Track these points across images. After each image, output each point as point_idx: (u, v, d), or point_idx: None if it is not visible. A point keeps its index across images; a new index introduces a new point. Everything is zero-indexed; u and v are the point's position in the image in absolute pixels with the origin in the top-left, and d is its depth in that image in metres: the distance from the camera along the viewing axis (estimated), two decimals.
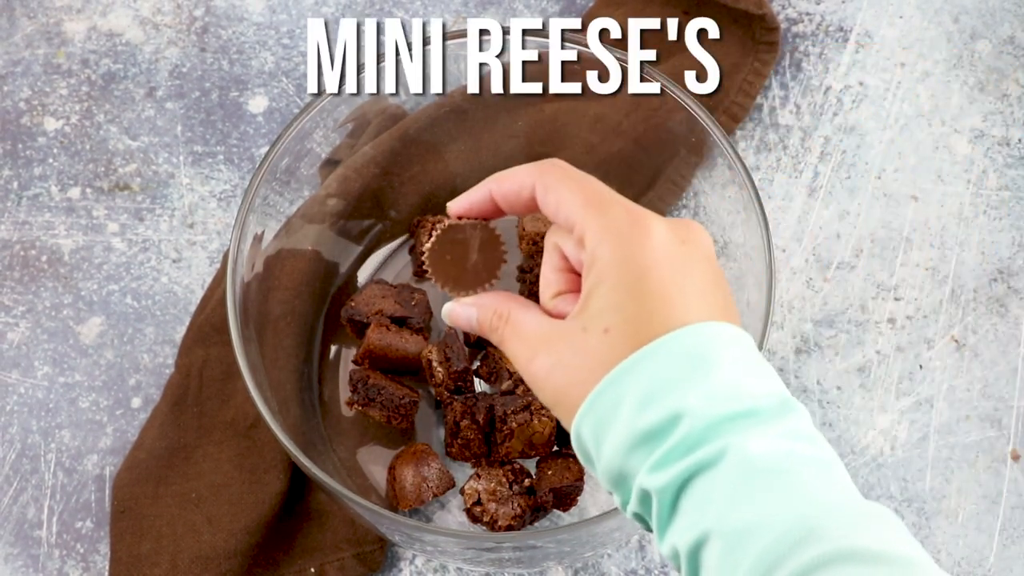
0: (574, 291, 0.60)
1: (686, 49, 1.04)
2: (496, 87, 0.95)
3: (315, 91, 0.92)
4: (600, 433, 0.54)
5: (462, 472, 0.91)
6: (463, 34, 0.89)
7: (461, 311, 0.63)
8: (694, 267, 0.56)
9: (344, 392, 0.93)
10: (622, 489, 0.55)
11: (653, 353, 0.53)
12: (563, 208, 0.59)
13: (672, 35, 1.05)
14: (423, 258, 0.66)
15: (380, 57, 0.89)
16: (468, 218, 0.65)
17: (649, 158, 0.96)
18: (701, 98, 1.00)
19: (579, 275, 0.59)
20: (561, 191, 0.59)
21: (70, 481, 0.93)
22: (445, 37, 0.89)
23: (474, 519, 0.87)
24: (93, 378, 0.96)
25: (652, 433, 0.52)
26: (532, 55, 0.92)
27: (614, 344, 0.54)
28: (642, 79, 0.87)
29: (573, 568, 0.91)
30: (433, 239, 0.66)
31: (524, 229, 0.93)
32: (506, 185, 0.62)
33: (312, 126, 0.89)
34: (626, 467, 0.54)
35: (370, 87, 0.91)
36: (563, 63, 0.91)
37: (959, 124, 1.03)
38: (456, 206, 0.65)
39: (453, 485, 0.88)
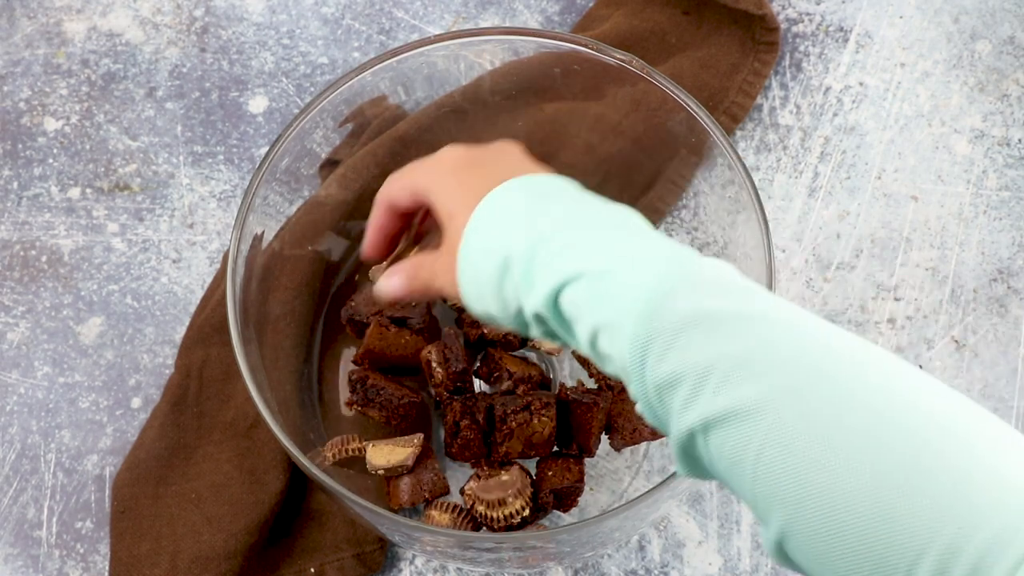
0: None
1: (686, 49, 1.04)
2: (496, 87, 0.95)
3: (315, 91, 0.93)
4: (481, 287, 0.66)
5: (462, 472, 0.91)
6: (463, 34, 0.89)
7: (389, 283, 0.74)
8: (485, 159, 0.70)
9: (344, 392, 0.93)
10: (527, 327, 0.66)
11: (475, 216, 0.67)
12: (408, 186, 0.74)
13: (672, 35, 1.05)
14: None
15: (380, 57, 0.89)
16: (385, 248, 0.77)
17: (649, 158, 0.96)
18: (701, 98, 1.00)
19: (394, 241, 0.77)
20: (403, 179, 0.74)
21: (70, 481, 0.93)
22: (445, 37, 0.89)
23: (474, 519, 0.87)
24: (93, 378, 0.96)
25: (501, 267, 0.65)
26: (531, 55, 0.93)
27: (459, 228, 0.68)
28: (642, 79, 0.87)
29: (573, 568, 0.91)
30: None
31: None
32: (392, 198, 0.75)
33: (312, 126, 0.89)
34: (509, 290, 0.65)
35: (370, 87, 0.91)
36: (563, 63, 0.91)
37: (959, 124, 1.03)
38: (371, 249, 0.78)
39: (447, 492, 0.88)
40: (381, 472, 0.86)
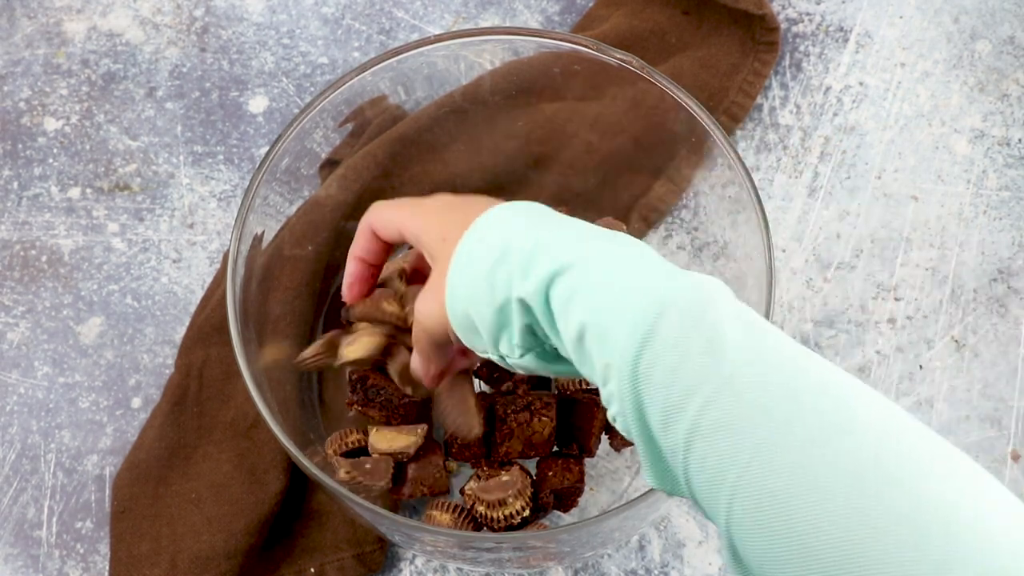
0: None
1: (686, 49, 1.04)
2: (496, 87, 0.95)
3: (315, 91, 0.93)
4: (470, 303, 0.67)
5: (462, 472, 0.91)
6: (463, 34, 0.89)
7: (419, 372, 0.77)
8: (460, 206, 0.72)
9: (344, 392, 0.93)
10: (506, 325, 0.66)
11: (475, 225, 0.68)
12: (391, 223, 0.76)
13: (672, 35, 1.05)
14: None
15: (380, 57, 0.89)
16: (365, 286, 0.81)
17: (649, 158, 0.96)
18: (701, 98, 1.00)
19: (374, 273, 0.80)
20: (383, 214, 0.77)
21: (70, 481, 0.93)
22: (445, 37, 0.89)
23: (475, 519, 0.87)
24: (93, 378, 0.96)
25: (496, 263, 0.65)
26: (531, 55, 0.93)
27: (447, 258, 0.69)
28: (642, 79, 0.87)
29: (573, 568, 0.91)
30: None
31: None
32: (376, 226, 0.77)
33: (312, 126, 0.89)
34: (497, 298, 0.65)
35: (370, 87, 0.91)
36: (563, 63, 0.91)
37: (959, 124, 1.03)
38: (350, 290, 0.81)
39: (447, 491, 0.88)
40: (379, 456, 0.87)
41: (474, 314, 0.67)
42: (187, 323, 0.97)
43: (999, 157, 1.01)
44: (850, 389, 0.56)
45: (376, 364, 0.89)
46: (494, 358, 0.69)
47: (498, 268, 0.65)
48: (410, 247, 0.95)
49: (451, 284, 0.68)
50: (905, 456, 0.53)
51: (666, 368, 0.57)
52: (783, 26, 1.06)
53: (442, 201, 0.74)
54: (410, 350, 0.84)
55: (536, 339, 0.66)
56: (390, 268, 0.89)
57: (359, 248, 0.78)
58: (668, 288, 0.59)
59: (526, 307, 0.64)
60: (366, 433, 0.87)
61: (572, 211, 0.79)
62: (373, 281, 0.81)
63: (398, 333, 0.87)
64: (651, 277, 0.60)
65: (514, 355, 0.67)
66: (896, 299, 0.97)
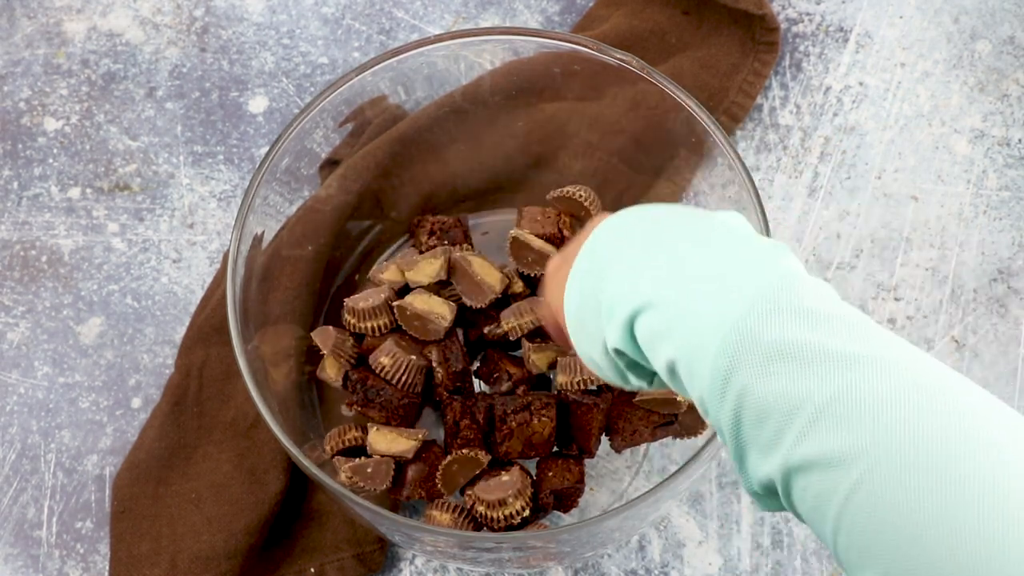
0: None
1: (686, 49, 1.04)
2: (496, 87, 0.95)
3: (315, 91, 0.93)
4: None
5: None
6: (463, 34, 0.89)
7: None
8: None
9: (344, 393, 0.93)
10: (617, 367, 0.65)
11: (567, 288, 0.66)
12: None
13: (672, 35, 1.05)
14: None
15: (380, 57, 0.89)
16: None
17: (649, 158, 0.96)
18: (701, 98, 1.00)
19: None
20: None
21: (70, 481, 0.93)
22: (445, 37, 0.89)
23: (475, 519, 0.87)
24: (93, 378, 0.96)
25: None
26: (531, 55, 0.93)
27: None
28: (642, 79, 0.87)
29: (573, 568, 0.91)
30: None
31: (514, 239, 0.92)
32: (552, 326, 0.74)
33: (312, 126, 0.89)
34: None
35: (370, 87, 0.91)
36: (563, 63, 0.91)
37: (959, 124, 1.03)
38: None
39: (441, 497, 0.88)
40: (379, 457, 0.87)
41: (595, 359, 0.65)
42: (187, 323, 0.97)
43: (999, 157, 1.01)
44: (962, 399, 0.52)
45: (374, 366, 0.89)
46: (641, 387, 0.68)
47: (592, 316, 0.63)
48: (387, 259, 0.96)
49: (572, 337, 0.66)
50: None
51: (753, 407, 0.54)
52: (783, 26, 1.06)
53: (549, 268, 0.71)
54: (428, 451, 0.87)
55: (649, 369, 0.64)
56: (385, 282, 0.90)
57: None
58: (748, 303, 0.55)
59: (618, 351, 0.62)
60: (365, 431, 0.87)
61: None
62: None
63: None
64: (729, 293, 0.56)
65: (644, 385, 0.66)
66: (896, 299, 0.97)
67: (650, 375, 0.64)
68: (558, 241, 0.92)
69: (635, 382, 0.65)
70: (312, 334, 0.89)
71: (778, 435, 0.53)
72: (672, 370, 0.59)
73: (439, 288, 0.91)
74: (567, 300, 0.65)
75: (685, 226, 0.62)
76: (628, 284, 0.61)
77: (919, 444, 0.50)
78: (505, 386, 0.89)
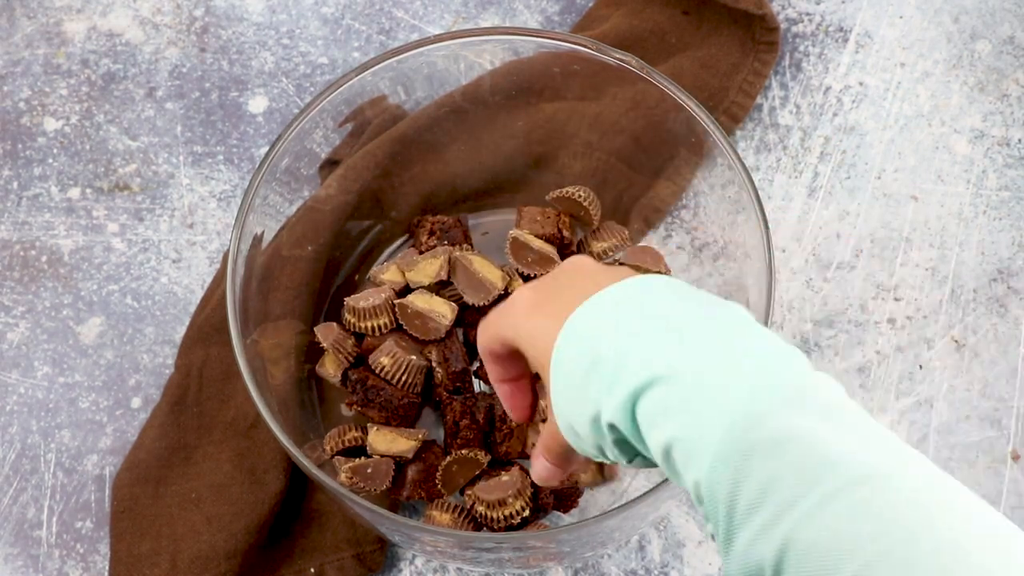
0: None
1: (686, 49, 1.04)
2: (496, 87, 0.95)
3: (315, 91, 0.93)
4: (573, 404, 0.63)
5: None
6: (463, 34, 0.89)
7: (542, 469, 0.71)
8: (559, 283, 0.68)
9: (344, 392, 0.93)
10: (603, 438, 0.63)
11: (558, 346, 0.64)
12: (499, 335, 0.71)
13: (672, 35, 1.05)
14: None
15: (380, 57, 0.89)
16: (525, 403, 0.75)
17: (649, 158, 0.96)
18: (701, 98, 1.00)
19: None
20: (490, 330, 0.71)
21: (70, 481, 0.93)
22: (445, 37, 0.89)
23: (475, 519, 0.87)
24: (93, 378, 0.96)
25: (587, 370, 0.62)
26: (531, 55, 0.93)
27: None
28: (642, 79, 0.87)
29: (573, 568, 0.91)
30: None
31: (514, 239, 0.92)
32: (486, 348, 0.72)
33: (312, 126, 0.89)
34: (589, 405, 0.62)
35: (370, 87, 0.91)
36: (563, 63, 0.91)
37: (959, 124, 1.03)
38: (514, 412, 0.75)
39: (440, 497, 0.88)
40: (379, 457, 0.87)
41: (576, 425, 0.64)
42: (187, 323, 0.97)
43: (999, 157, 1.01)
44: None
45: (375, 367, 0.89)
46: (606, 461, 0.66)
47: (589, 380, 0.61)
48: (387, 259, 0.96)
49: (554, 393, 0.64)
50: None
51: (748, 501, 0.54)
52: (783, 26, 1.06)
53: (526, 297, 0.68)
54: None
55: (633, 448, 0.63)
56: (385, 283, 0.90)
57: (493, 375, 0.73)
58: (751, 411, 0.56)
59: (612, 425, 0.61)
60: (365, 431, 0.87)
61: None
62: (528, 391, 0.74)
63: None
64: (736, 390, 0.56)
65: (621, 461, 0.64)
66: (896, 299, 0.97)
67: (632, 453, 0.63)
68: (557, 241, 0.92)
69: (612, 458, 0.63)
70: (315, 329, 0.89)
71: (777, 516, 0.53)
72: (668, 450, 0.58)
73: (439, 288, 0.91)
74: (558, 358, 0.63)
75: (700, 308, 0.62)
76: (638, 358, 0.59)
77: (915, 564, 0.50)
78: None
